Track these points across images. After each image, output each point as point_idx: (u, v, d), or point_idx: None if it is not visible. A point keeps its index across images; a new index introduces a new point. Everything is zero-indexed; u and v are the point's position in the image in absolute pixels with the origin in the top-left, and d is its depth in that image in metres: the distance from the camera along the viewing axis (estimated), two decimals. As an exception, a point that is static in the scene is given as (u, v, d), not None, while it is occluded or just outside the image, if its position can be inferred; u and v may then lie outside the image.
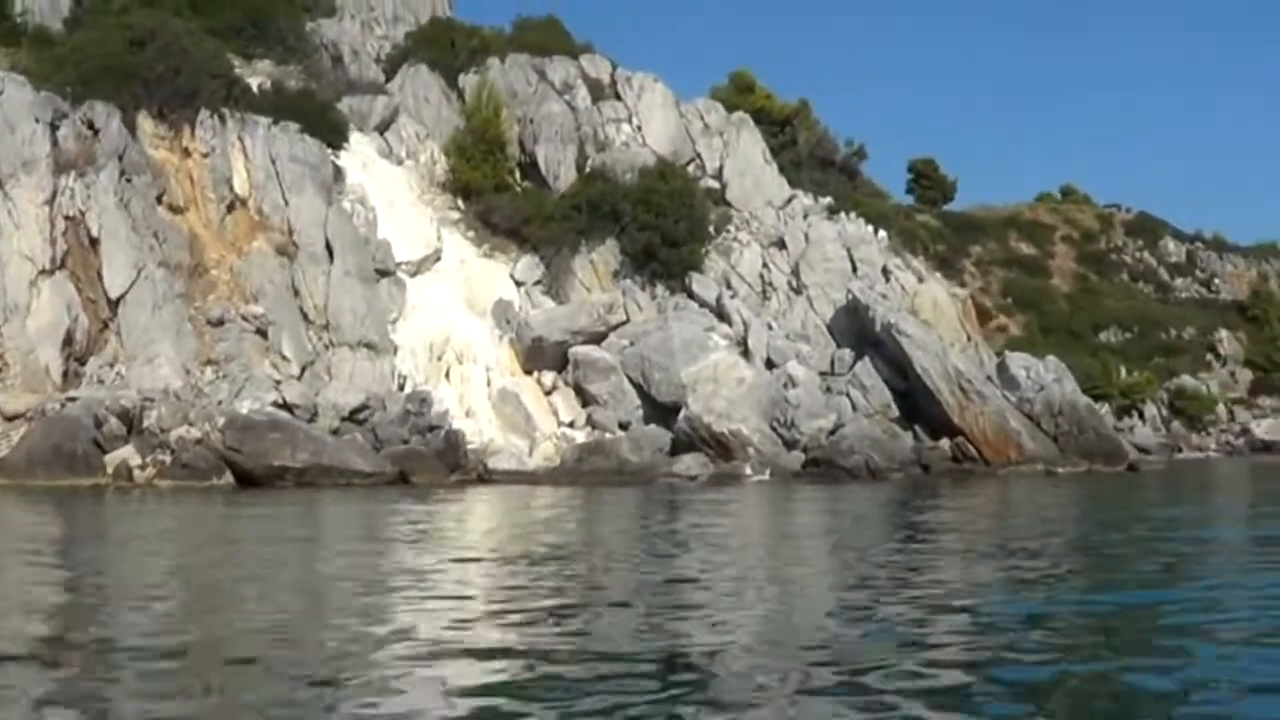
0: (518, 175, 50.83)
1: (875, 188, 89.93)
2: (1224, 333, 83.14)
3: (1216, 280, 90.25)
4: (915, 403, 42.82)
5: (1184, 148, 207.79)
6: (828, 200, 49.11)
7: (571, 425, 42.90)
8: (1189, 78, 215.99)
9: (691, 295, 45.12)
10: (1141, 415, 75.71)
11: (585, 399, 43.14)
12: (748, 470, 39.15)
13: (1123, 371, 76.85)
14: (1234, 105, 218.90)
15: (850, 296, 44.47)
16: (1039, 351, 77.42)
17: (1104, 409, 75.00)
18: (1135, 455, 46.71)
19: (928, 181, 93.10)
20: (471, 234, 48.51)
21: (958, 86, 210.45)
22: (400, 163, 50.78)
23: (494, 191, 48.78)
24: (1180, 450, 71.87)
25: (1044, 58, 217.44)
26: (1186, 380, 78.59)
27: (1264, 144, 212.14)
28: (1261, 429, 77.16)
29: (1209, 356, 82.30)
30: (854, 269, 46.41)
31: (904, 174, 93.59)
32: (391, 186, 48.81)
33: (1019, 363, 44.27)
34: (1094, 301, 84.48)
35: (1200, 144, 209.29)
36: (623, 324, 44.14)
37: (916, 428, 42.76)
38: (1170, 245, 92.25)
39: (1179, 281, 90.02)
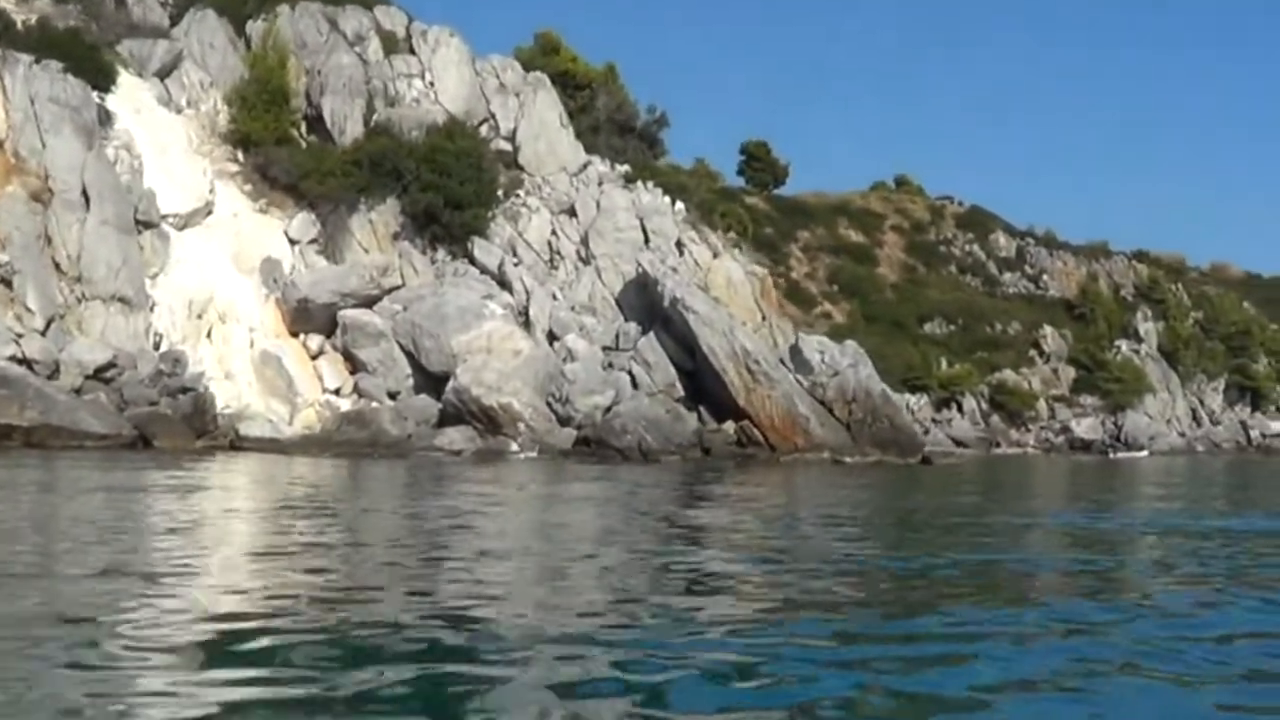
0: (304, 129, 47.80)
1: (701, 164, 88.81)
2: (1049, 329, 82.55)
3: (1045, 277, 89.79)
4: (702, 383, 40.72)
5: (1023, 145, 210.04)
6: (625, 168, 46.69)
7: (337, 392, 40.21)
8: (1033, 77, 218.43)
9: (473, 261, 42.52)
10: (960, 408, 74.80)
11: (355, 365, 40.44)
12: (514, 447, 36.77)
13: (944, 363, 75.90)
14: (1075, 105, 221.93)
15: (640, 269, 42.15)
16: (859, 340, 77.03)
17: (922, 400, 74.36)
18: (931, 448, 44.96)
19: (759, 164, 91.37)
20: (249, 188, 45.44)
21: (797, 72, 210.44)
22: (180, 111, 47.42)
23: (275, 144, 45.70)
24: (998, 445, 71.13)
25: (888, 48, 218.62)
26: (1008, 375, 77.89)
27: (1101, 144, 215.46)
28: (1081, 427, 76.72)
29: (1033, 352, 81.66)
30: (646, 240, 44.10)
31: (736, 156, 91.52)
32: (165, 135, 45.52)
33: (813, 345, 42.27)
34: (920, 292, 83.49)
35: (1038, 142, 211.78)
36: (397, 288, 41.46)
37: (702, 409, 40.66)
38: (1001, 239, 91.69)
39: (1008, 276, 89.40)
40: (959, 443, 69.67)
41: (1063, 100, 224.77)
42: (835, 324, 78.65)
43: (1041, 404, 77.74)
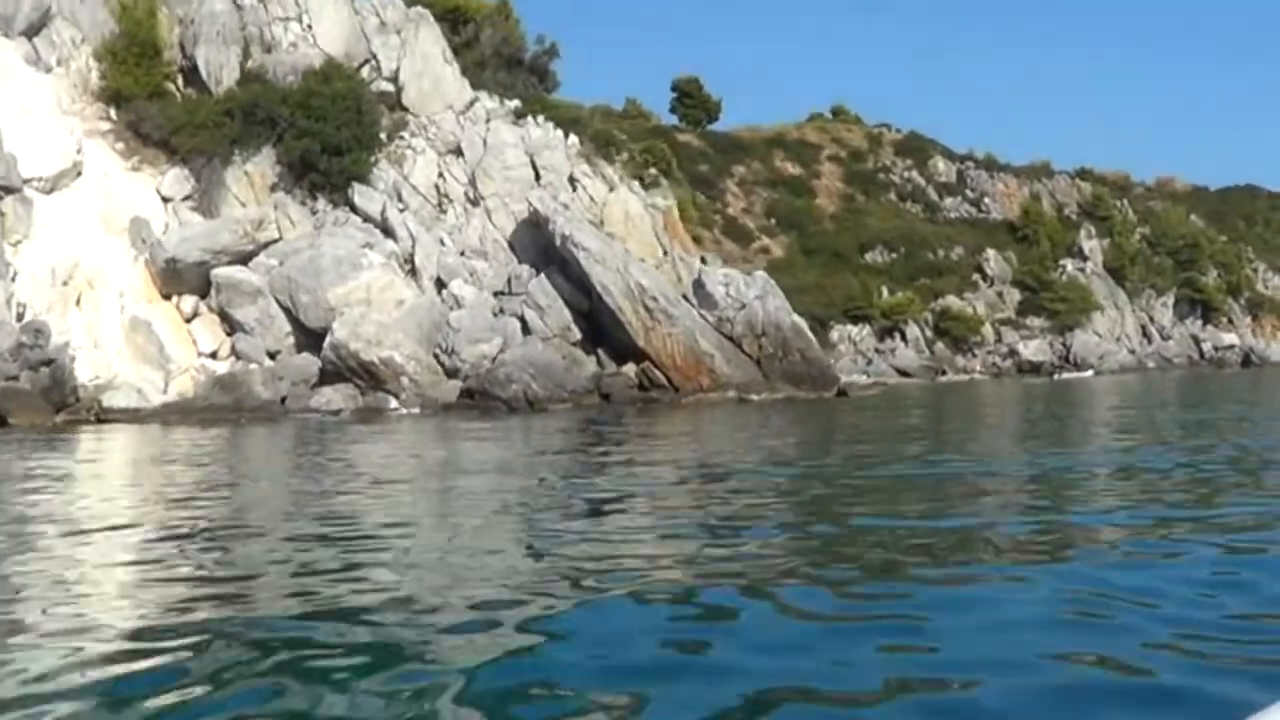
0: (180, 82, 45.24)
1: (633, 103, 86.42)
2: (991, 252, 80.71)
3: (987, 200, 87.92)
4: (600, 325, 38.57)
5: (962, 69, 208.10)
6: (514, 104, 44.15)
7: (214, 356, 37.92)
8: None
9: (354, 209, 40.13)
10: (904, 337, 73.01)
11: (232, 326, 38.14)
12: (393, 404, 34.61)
13: (885, 292, 74.02)
14: (1012, 26, 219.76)
15: (531, 208, 39.84)
16: (799, 273, 75.10)
17: (864, 331, 72.58)
18: (875, 378, 42.93)
19: (691, 101, 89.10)
20: (121, 146, 42.96)
21: (730, 5, 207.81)
22: (49, 70, 44.84)
23: (147, 99, 43.20)
24: (944, 372, 69.41)
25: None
26: (952, 301, 76.13)
27: (1042, 64, 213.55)
28: (1029, 350, 75.09)
29: (976, 277, 79.84)
30: (537, 178, 41.72)
31: (668, 93, 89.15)
32: (30, 96, 42.94)
33: (718, 278, 40.08)
34: (860, 222, 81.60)
35: (978, 65, 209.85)
36: (274, 242, 39.12)
37: (601, 352, 38.51)
38: (940, 165, 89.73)
39: (948, 201, 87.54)
40: (903, 372, 67.95)
41: (1000, 21, 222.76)
42: (774, 258, 76.73)
43: (987, 328, 76.03)
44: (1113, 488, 13.85)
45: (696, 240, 66.62)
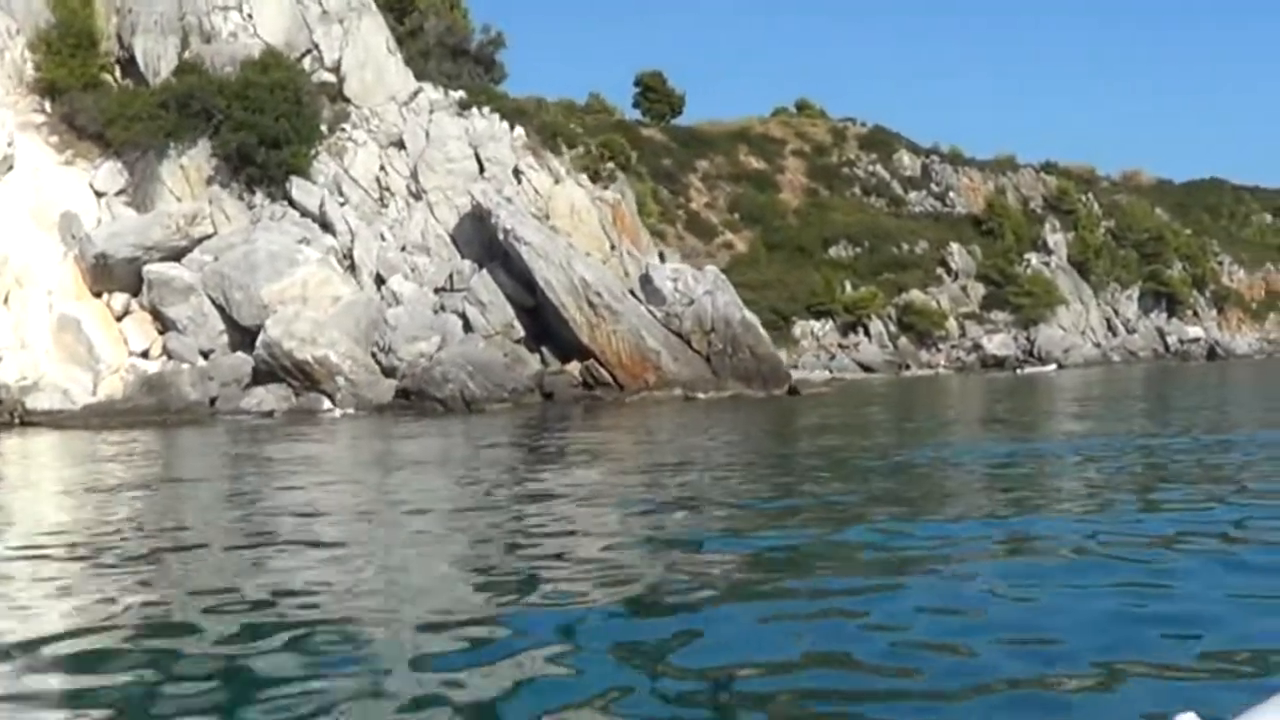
0: (117, 73, 44.03)
1: (596, 98, 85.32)
2: (955, 246, 79.89)
3: (952, 194, 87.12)
4: (544, 321, 37.54)
5: (926, 62, 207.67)
6: (459, 94, 42.96)
7: (145, 356, 36.76)
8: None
9: (293, 203, 38.98)
10: (867, 332, 72.22)
11: (164, 324, 36.98)
12: (326, 405, 33.53)
13: (848, 287, 73.18)
14: (978, 20, 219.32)
15: (474, 202, 38.75)
16: (762, 268, 74.23)
17: (827, 326, 71.78)
18: (796, 377, 41.96)
19: (654, 95, 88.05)
20: (55, 139, 41.76)
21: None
22: (-19, 61, 43.67)
23: (82, 90, 41.98)
24: (908, 367, 68.73)
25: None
26: (916, 295, 75.34)
27: (1004, 59, 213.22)
28: (993, 344, 74.35)
29: (940, 271, 79.05)
30: (481, 170, 40.59)
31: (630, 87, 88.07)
32: (-41, 88, 41.87)
33: (666, 273, 39.03)
34: (824, 216, 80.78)
35: (942, 58, 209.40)
36: (209, 237, 37.96)
37: (545, 350, 37.49)
38: (905, 159, 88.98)
39: (913, 195, 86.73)
40: (866, 367, 67.18)
41: (965, 15, 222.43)
42: (737, 253, 75.95)
43: (951, 323, 75.31)
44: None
45: (659, 235, 65.71)
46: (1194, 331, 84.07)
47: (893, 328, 73.50)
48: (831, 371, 62.06)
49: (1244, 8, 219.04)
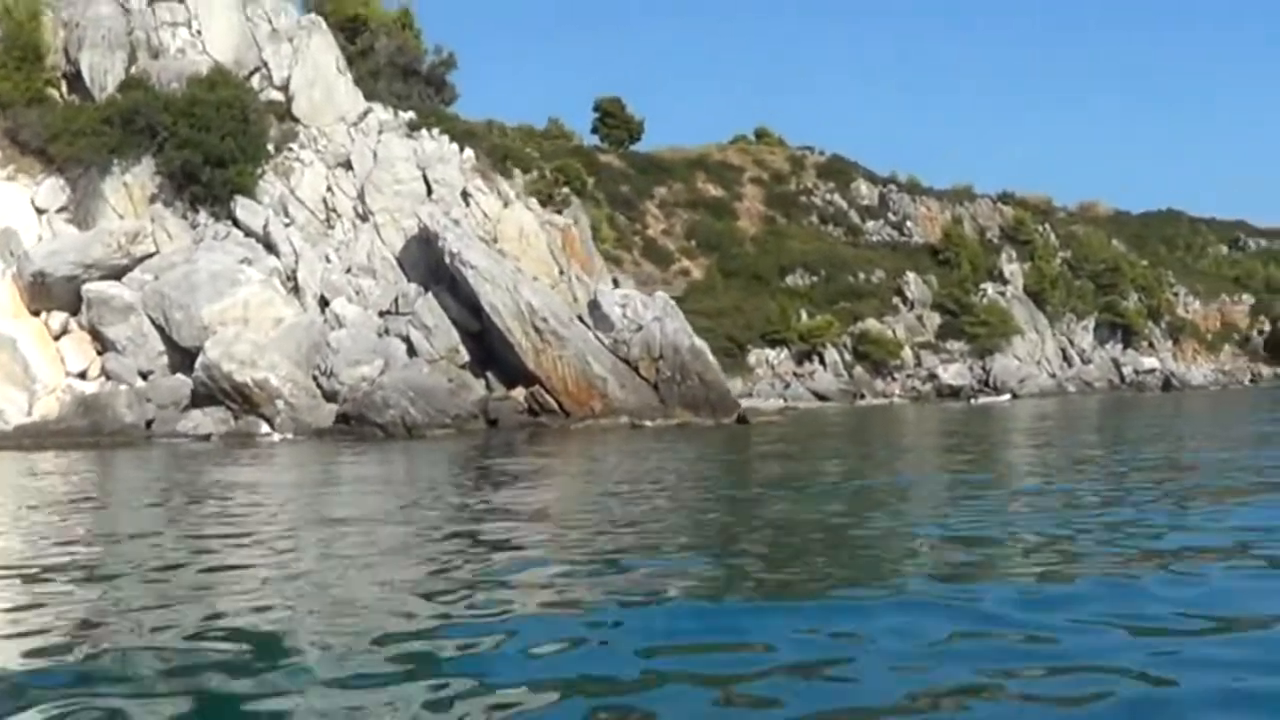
0: (64, 89, 43.38)
1: (555, 123, 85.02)
2: (911, 275, 79.84)
3: (909, 223, 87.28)
4: (490, 346, 37.06)
5: (885, 91, 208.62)
6: (409, 115, 42.50)
7: (83, 376, 36.10)
8: (894, 23, 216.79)
9: (237, 223, 38.41)
10: (823, 360, 71.99)
11: (103, 344, 36.34)
12: (264, 429, 32.95)
13: (804, 315, 72.96)
14: (938, 49, 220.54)
15: (421, 224, 38.26)
16: (718, 295, 73.95)
17: (782, 354, 71.53)
18: (749, 405, 41.58)
19: (613, 121, 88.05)
20: (-1, 154, 41.11)
21: (654, 25, 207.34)
22: (-73, 77, 42.92)
23: (27, 105, 41.34)
24: (863, 396, 68.42)
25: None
26: (871, 324, 75.17)
27: (967, 88, 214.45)
28: (949, 373, 74.24)
29: (896, 300, 78.98)
30: (429, 192, 40.09)
31: (590, 113, 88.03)
32: (-97, 103, 41.14)
33: (614, 299, 38.58)
34: (781, 244, 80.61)
35: (901, 87, 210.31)
36: (151, 256, 37.36)
37: (490, 375, 36.99)
38: (863, 188, 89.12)
39: (870, 224, 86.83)
40: (821, 396, 66.91)
41: (924, 47, 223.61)
42: (694, 280, 75.73)
43: (907, 352, 75.18)
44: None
45: (615, 262, 65.33)
46: (1149, 362, 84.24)
47: (848, 356, 73.27)
48: (786, 400, 61.73)
49: (1202, 42, 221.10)
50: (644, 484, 18.20)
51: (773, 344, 71.43)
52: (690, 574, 9.83)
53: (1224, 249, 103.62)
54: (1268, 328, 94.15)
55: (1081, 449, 25.27)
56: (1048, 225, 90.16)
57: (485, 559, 11.02)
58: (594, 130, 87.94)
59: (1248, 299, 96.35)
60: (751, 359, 69.11)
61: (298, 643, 7.63)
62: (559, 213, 45.42)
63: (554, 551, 11.37)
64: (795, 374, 70.55)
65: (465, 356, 36.89)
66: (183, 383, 34.84)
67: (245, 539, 12.43)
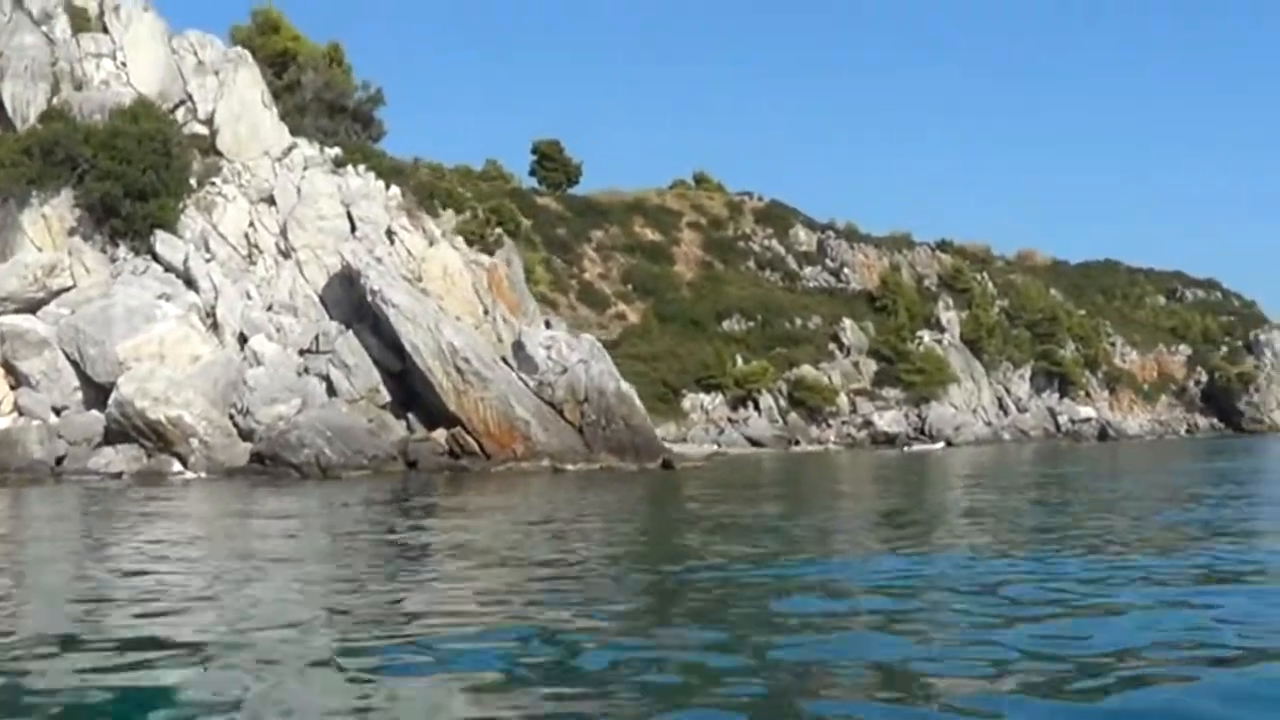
0: (-15, 119, 42.68)
1: (493, 165, 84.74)
2: (848, 322, 79.80)
3: (847, 270, 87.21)
4: (412, 387, 36.52)
5: (824, 137, 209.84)
6: (335, 151, 42.05)
7: (-6, 411, 35.28)
8: (833, 68, 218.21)
9: (157, 257, 37.78)
10: (757, 406, 71.71)
11: (17, 379, 35.54)
12: (176, 467, 32.28)
13: (739, 360, 72.71)
14: (877, 96, 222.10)
15: (343, 262, 37.76)
16: (654, 339, 73.66)
17: (717, 400, 71.18)
18: (678, 450, 41.17)
19: (551, 163, 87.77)
20: (-84, 186, 40.27)
21: (595, 69, 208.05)
22: None
23: (-54, 135, 40.63)
24: (797, 443, 68.11)
25: (683, 44, 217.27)
26: (807, 370, 74.93)
27: (902, 137, 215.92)
28: (884, 420, 74.14)
29: (833, 346, 78.86)
30: (353, 229, 39.60)
31: (528, 155, 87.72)
32: None
33: (539, 340, 38.14)
34: (718, 289, 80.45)
35: (840, 134, 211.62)
36: (68, 290, 36.65)
37: (412, 416, 36.45)
38: (801, 234, 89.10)
39: (808, 270, 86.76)
40: (756, 442, 66.61)
41: (866, 92, 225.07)
42: (630, 324, 75.42)
43: (842, 398, 74.98)
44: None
45: (550, 305, 64.97)
46: (1086, 412, 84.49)
47: (783, 402, 73.00)
48: (720, 445, 61.48)
49: (1141, 91, 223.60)
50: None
51: (708, 389, 71.12)
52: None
53: (1161, 299, 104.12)
54: (1204, 379, 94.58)
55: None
56: (985, 274, 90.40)
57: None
58: (532, 173, 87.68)
59: (1184, 349, 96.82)
60: (686, 404, 68.78)
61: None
62: (490, 253, 45.03)
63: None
64: (730, 419, 70.24)
65: (386, 397, 36.36)
66: (96, 419, 34.13)
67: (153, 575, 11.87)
